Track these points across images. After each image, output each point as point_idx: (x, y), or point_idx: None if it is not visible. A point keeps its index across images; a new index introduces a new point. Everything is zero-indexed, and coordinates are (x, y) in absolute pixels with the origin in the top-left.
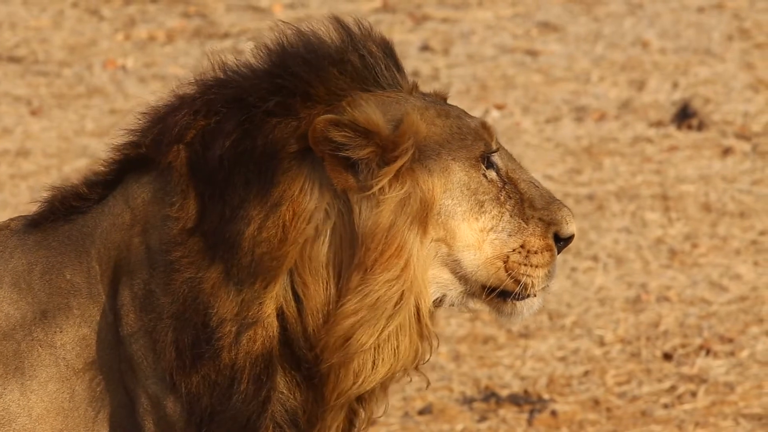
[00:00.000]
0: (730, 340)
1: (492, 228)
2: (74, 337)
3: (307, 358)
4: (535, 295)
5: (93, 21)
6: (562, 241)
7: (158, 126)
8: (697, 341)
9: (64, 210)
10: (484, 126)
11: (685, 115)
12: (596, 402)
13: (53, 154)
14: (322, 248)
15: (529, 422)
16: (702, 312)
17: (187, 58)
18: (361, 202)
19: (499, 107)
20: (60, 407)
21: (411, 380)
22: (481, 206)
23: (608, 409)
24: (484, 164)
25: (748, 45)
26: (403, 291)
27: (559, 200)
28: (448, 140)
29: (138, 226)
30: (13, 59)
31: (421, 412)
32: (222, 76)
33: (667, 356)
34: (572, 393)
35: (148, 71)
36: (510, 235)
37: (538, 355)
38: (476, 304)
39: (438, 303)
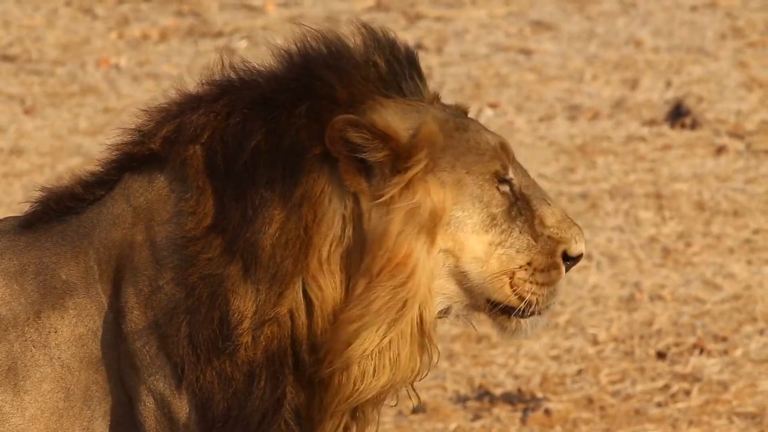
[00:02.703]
0: (724, 339)
1: (501, 242)
2: (70, 337)
3: (308, 361)
4: (539, 313)
5: (86, 20)
6: (570, 260)
7: (170, 125)
8: (691, 340)
9: (59, 210)
10: (504, 146)
11: (678, 114)
12: (590, 401)
13: (47, 152)
14: (339, 252)
15: (523, 421)
16: (695, 311)
17: (181, 56)
18: (372, 208)
19: (493, 106)
20: (54, 407)
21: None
22: (493, 220)
23: (602, 408)
24: (498, 180)
25: (741, 44)
26: (407, 299)
27: (570, 219)
28: (464, 153)
29: (141, 224)
30: (7, 58)
31: (414, 411)
32: (239, 78)
33: (661, 355)
34: (566, 392)
35: (142, 70)
36: (518, 252)
37: (531, 354)
38: (481, 318)
39: (443, 314)
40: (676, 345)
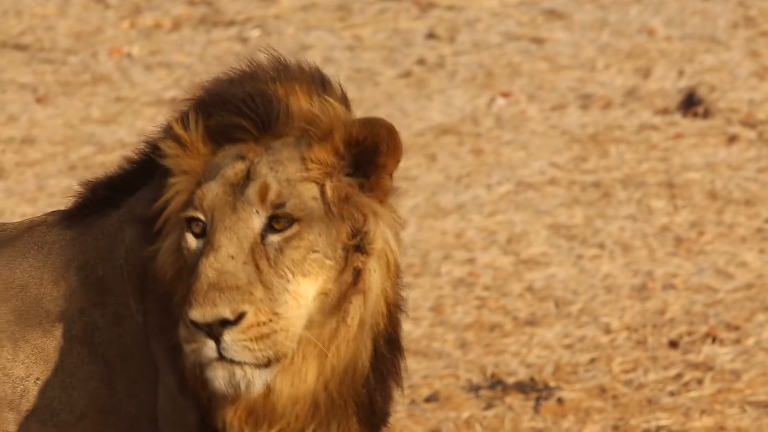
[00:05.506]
0: (737, 328)
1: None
2: (111, 336)
3: None
4: (211, 373)
5: (98, 8)
6: (196, 326)
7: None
8: (703, 329)
9: (99, 202)
10: (201, 194)
11: (690, 103)
12: (602, 390)
13: (59, 141)
14: None
15: (536, 410)
16: (708, 299)
17: (193, 45)
18: None
19: (505, 95)
20: (102, 405)
21: None
22: (181, 270)
23: (614, 397)
24: (188, 229)
25: (753, 33)
26: None
27: (199, 286)
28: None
29: None
30: (19, 47)
31: (427, 400)
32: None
33: (673, 344)
34: (578, 380)
35: (154, 59)
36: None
37: (544, 343)
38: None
39: None
40: (689, 334)
